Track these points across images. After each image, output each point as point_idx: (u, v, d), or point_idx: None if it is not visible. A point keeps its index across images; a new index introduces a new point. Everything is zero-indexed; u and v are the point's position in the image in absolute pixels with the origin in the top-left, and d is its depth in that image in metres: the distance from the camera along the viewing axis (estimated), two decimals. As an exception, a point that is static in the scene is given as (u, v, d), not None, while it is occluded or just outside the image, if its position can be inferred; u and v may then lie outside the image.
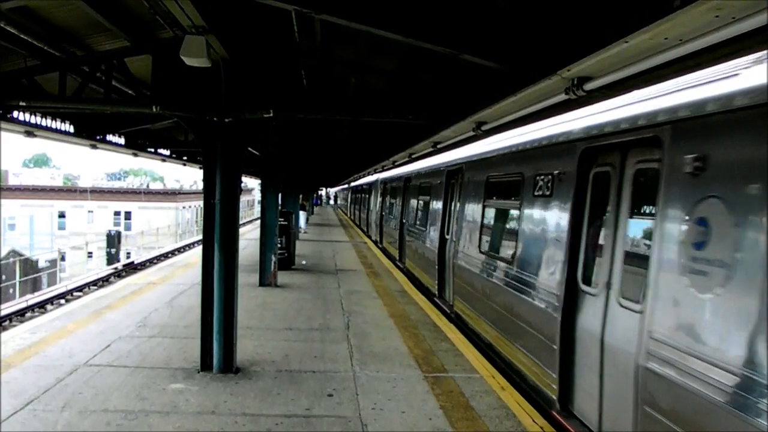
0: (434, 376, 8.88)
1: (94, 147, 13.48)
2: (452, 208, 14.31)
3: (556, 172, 8.00)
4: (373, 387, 8.29)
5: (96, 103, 9.63)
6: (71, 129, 11.85)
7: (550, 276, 7.94)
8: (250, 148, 15.08)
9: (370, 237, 34.71)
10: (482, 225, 11.52)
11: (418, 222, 18.94)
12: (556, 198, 7.98)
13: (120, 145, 14.46)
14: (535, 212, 8.78)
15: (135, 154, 16.87)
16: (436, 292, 15.12)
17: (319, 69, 9.98)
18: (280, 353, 9.82)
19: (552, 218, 8.12)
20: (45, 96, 9.12)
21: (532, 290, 8.45)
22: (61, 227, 69.68)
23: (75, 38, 8.71)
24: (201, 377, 8.54)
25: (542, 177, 8.44)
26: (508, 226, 10.42)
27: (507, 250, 10.06)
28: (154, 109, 8.58)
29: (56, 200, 71.13)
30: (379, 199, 31.81)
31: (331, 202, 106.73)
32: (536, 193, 8.63)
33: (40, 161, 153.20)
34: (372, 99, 10.46)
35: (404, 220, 22.10)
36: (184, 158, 21.15)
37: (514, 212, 9.88)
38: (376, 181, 34.09)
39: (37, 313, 21.56)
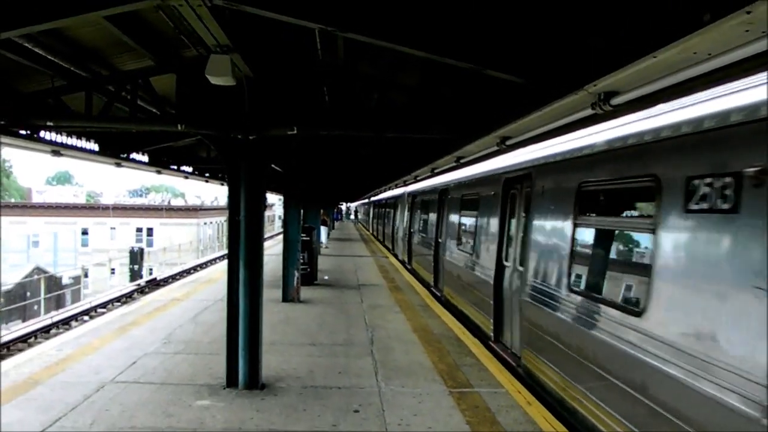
0: (459, 391, 8.86)
1: (119, 165, 13.61)
2: (513, 226, 11.41)
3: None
4: (399, 402, 8.28)
5: (122, 122, 9.74)
6: (96, 147, 11.96)
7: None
8: (272, 165, 15.16)
9: (396, 256, 31.37)
10: (575, 252, 8.16)
11: (460, 243, 15.86)
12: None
13: (144, 163, 14.58)
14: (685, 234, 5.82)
15: (159, 172, 17.01)
16: (492, 335, 11.93)
17: (341, 85, 10.03)
18: (305, 369, 9.84)
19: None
20: (71, 115, 9.24)
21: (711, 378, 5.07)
22: (84, 244, 70.17)
23: (100, 58, 8.80)
24: (227, 393, 8.57)
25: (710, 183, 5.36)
26: (633, 254, 7.31)
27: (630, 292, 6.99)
28: (180, 128, 8.67)
29: (79, 217, 71.76)
30: (407, 214, 28.62)
31: (351, 216, 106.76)
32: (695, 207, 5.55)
33: (63, 179, 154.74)
34: (394, 114, 10.48)
35: (440, 239, 18.91)
36: (206, 175, 21.27)
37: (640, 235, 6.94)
38: (403, 194, 30.87)
39: (62, 330, 21.75)
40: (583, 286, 7.96)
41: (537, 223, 9.67)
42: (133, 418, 7.56)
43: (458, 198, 16.57)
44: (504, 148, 9.29)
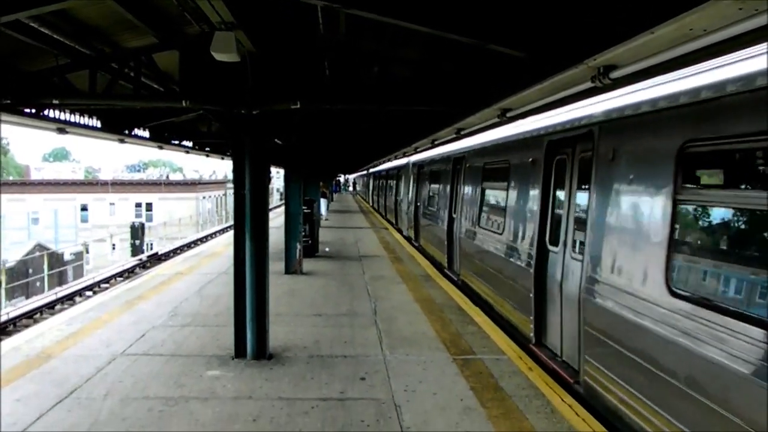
0: (463, 358, 9.07)
1: (122, 141, 13.72)
2: (562, 202, 9.23)
3: None
4: (404, 370, 8.49)
5: (127, 99, 9.84)
6: (98, 125, 12.07)
7: None
8: (275, 139, 15.28)
9: (400, 231, 29.37)
10: (677, 241, 6.10)
11: (483, 220, 13.79)
12: None
13: (146, 139, 14.69)
14: None
15: (160, 147, 17.13)
16: (532, 336, 9.76)
17: (343, 60, 10.12)
18: (311, 339, 10.04)
19: None
20: (76, 93, 9.35)
21: None
22: (84, 220, 70.44)
23: (104, 36, 8.88)
24: (236, 364, 8.77)
25: None
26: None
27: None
28: (184, 104, 8.80)
29: (78, 193, 71.89)
30: (412, 186, 26.06)
31: (350, 188, 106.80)
32: None
33: (60, 155, 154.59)
34: (396, 88, 10.58)
35: (455, 215, 16.89)
36: (207, 149, 21.38)
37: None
38: (407, 164, 28.67)
39: (66, 306, 21.98)
40: (697, 288, 5.83)
41: (606, 198, 7.43)
42: (146, 388, 7.76)
43: (479, 167, 14.24)
44: (505, 119, 9.45)
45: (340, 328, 10.78)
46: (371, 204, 56.50)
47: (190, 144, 19.31)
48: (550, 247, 9.51)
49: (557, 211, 9.48)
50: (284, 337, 10.06)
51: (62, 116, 10.65)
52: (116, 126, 12.87)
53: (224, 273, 16.14)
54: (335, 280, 15.67)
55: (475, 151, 14.88)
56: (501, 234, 11.91)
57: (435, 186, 20.79)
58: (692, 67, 5.38)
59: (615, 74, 5.36)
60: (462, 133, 13.42)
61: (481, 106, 9.07)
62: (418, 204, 24.05)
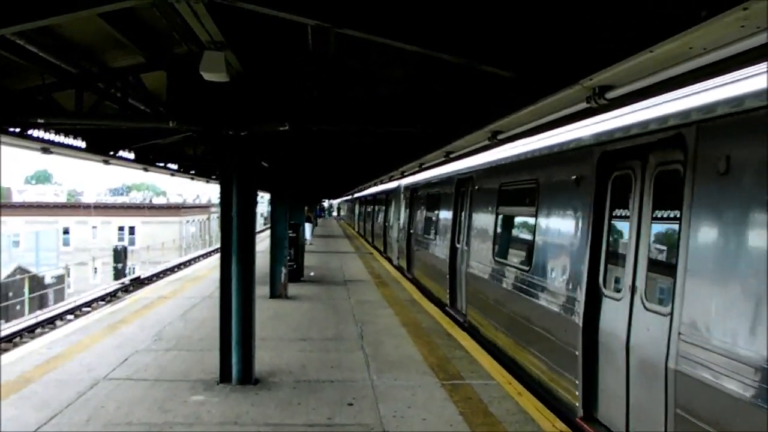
0: (451, 383, 8.95)
1: (106, 162, 13.57)
2: (628, 232, 7.04)
3: None
4: (392, 395, 8.36)
5: (112, 119, 9.72)
6: (83, 145, 11.94)
7: None
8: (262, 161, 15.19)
9: (390, 260, 27.61)
10: None
11: (500, 252, 11.53)
12: None
13: (131, 160, 14.55)
14: None
15: (146, 169, 16.98)
16: (579, 406, 7.57)
17: (331, 80, 10.06)
18: (297, 364, 9.89)
19: None
20: (62, 113, 9.23)
21: None
22: (66, 243, 69.80)
23: (91, 54, 8.77)
24: (221, 389, 8.60)
25: None
26: None
27: None
28: (171, 124, 8.70)
29: (60, 216, 71.30)
30: (404, 212, 24.09)
31: (334, 213, 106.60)
32: None
33: (42, 178, 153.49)
34: (384, 109, 10.51)
35: (458, 245, 14.77)
36: (192, 172, 21.22)
37: None
38: (398, 188, 26.48)
39: (47, 329, 21.64)
40: None
41: (717, 227, 5.40)
42: (130, 414, 7.58)
43: (493, 189, 12.00)
44: (495, 142, 9.39)
45: (326, 352, 10.64)
46: (357, 230, 55.32)
47: (175, 167, 19.15)
48: (606, 292, 7.36)
49: (616, 244, 7.44)
50: (270, 362, 9.90)
51: (47, 136, 10.50)
52: (101, 147, 12.73)
53: (208, 297, 15.98)
54: (321, 304, 15.53)
55: (487, 170, 12.60)
56: (528, 271, 9.63)
57: (433, 211, 18.42)
58: None
59: (611, 94, 5.32)
60: (451, 156, 13.22)
61: (471, 128, 9.04)
62: (412, 231, 22.06)
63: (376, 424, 7.27)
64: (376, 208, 37.08)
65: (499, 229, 11.80)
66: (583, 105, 5.80)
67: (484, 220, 12.65)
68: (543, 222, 9.38)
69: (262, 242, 24.81)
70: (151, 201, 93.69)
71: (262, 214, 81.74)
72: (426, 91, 9.86)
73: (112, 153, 13.01)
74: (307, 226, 36.63)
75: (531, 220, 9.92)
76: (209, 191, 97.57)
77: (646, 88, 4.95)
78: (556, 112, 6.77)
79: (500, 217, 11.73)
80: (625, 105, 6.09)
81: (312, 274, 21.32)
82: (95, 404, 7.91)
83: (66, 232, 70.91)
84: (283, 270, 16.31)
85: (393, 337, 11.76)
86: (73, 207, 77.35)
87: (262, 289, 16.13)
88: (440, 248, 16.54)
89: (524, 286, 9.73)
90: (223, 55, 6.71)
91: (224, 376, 8.86)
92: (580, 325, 7.49)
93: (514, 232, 11.32)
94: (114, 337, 11.67)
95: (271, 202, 17.53)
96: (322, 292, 17.47)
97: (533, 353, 9.20)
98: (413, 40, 5.85)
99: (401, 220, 24.83)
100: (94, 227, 71.75)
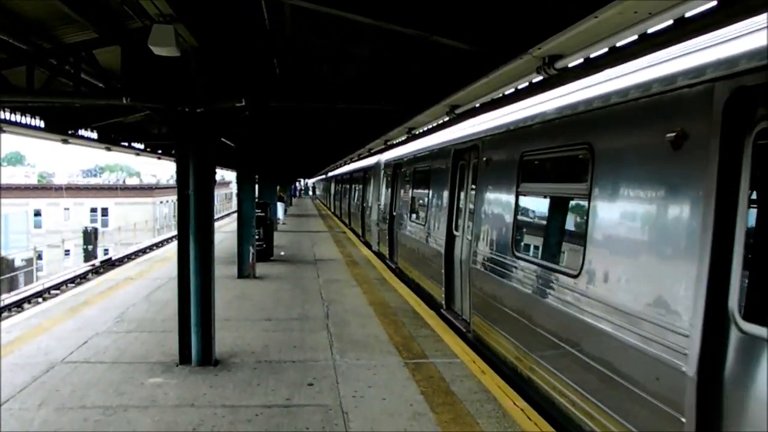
0: (414, 362, 8.86)
1: (65, 142, 13.31)
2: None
3: None
4: (354, 375, 8.25)
5: (65, 96, 9.49)
6: (41, 124, 11.68)
7: None
8: (225, 140, 14.96)
9: (368, 246, 25.00)
10: None
11: (525, 245, 8.68)
12: None
13: (92, 140, 14.29)
14: None
15: (108, 149, 16.69)
16: None
17: (292, 57, 9.90)
18: (260, 344, 9.76)
19: None
20: (12, 90, 8.99)
21: None
22: (38, 225, 68.96)
23: (43, 30, 8.55)
24: (180, 371, 8.45)
25: None
26: None
27: None
28: (125, 101, 8.47)
29: (31, 198, 70.35)
30: (385, 191, 21.28)
31: (309, 193, 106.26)
32: None
33: (14, 159, 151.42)
34: (345, 86, 10.37)
35: (456, 232, 12.08)
36: (159, 151, 20.93)
37: None
38: (377, 164, 23.74)
39: (14, 313, 21.34)
40: None
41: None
42: (84, 397, 7.42)
43: (511, 161, 8.78)
44: (454, 117, 9.23)
45: (290, 332, 10.51)
46: (332, 211, 52.64)
47: (141, 146, 18.89)
48: (747, 324, 4.31)
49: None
50: (232, 343, 9.77)
51: (1, 114, 10.24)
52: (60, 126, 12.46)
53: (175, 278, 15.70)
54: (288, 283, 15.38)
55: (501, 135, 9.45)
56: (575, 276, 6.55)
57: (421, 191, 15.34)
58: None
59: (560, 64, 5.21)
60: (414, 133, 12.96)
61: (429, 103, 8.89)
62: (395, 213, 19.10)
63: (335, 405, 7.16)
64: (353, 186, 33.66)
65: (520, 216, 8.68)
66: (535, 76, 5.69)
67: (497, 203, 9.53)
68: (605, 207, 6.21)
69: (233, 223, 24.57)
70: (124, 182, 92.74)
71: (236, 194, 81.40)
72: (389, 69, 9.73)
73: (71, 132, 12.73)
74: (280, 206, 36.52)
75: (579, 204, 7.03)
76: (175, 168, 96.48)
77: (596, 58, 4.85)
78: (511, 83, 6.65)
79: (523, 198, 8.63)
80: (579, 78, 5.99)
81: (282, 253, 21.15)
82: (49, 388, 7.73)
83: (38, 214, 69.98)
84: (251, 249, 16.14)
85: (359, 317, 11.65)
86: (44, 189, 76.40)
87: (230, 269, 16.08)
88: (432, 236, 13.72)
89: (570, 301, 6.66)
90: (172, 29, 6.53)
91: (184, 358, 8.71)
92: (694, 378, 4.61)
93: (549, 220, 8.21)
94: (75, 319, 11.45)
95: (238, 181, 17.25)
96: (291, 272, 17.31)
97: (603, 393, 6.00)
98: (365, 12, 5.72)
99: (382, 201, 22.08)
100: (66, 209, 70.95)
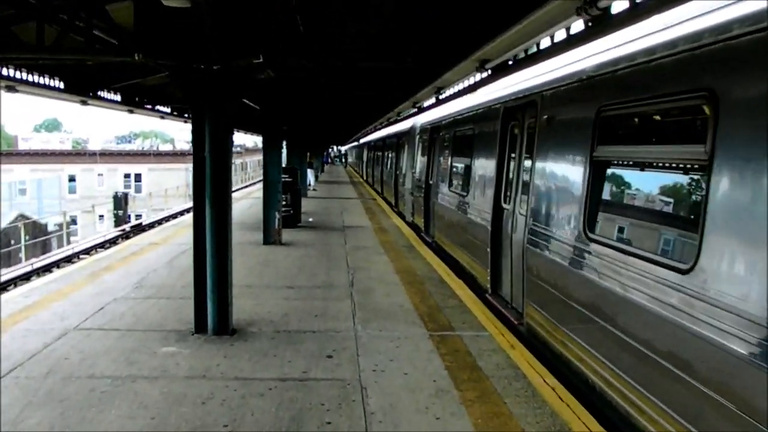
0: (440, 334, 8.44)
1: (84, 103, 12.98)
2: None
3: None
4: (375, 347, 7.85)
5: (75, 53, 9.09)
6: (61, 85, 11.36)
7: None
8: (249, 102, 14.54)
9: (402, 216, 23.26)
10: None
11: (614, 228, 6.79)
12: None
13: (114, 102, 13.96)
14: None
15: (131, 111, 16.35)
16: None
17: (314, 14, 9.38)
18: (280, 312, 9.41)
19: None
20: (21, 47, 8.63)
21: None
22: (72, 191, 69.52)
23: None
24: (194, 339, 8.13)
25: None
26: None
27: None
28: (136, 57, 8.03)
29: (66, 164, 70.87)
30: (421, 158, 19.45)
31: (342, 160, 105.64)
32: None
33: (51, 126, 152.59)
34: (369, 45, 9.80)
35: (506, 205, 10.30)
36: (186, 115, 20.59)
37: None
38: (412, 128, 21.77)
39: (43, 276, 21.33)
40: None
41: None
42: (93, 366, 7.12)
43: (584, 119, 7.05)
44: (485, 72, 8.63)
45: (312, 300, 10.15)
46: (365, 178, 51.07)
47: (167, 110, 18.55)
48: None
49: None
50: (251, 310, 9.44)
51: (16, 74, 9.91)
52: (80, 87, 12.13)
53: (199, 243, 15.46)
54: (315, 250, 15.03)
55: (570, 88, 7.68)
56: (687, 272, 4.89)
57: (463, 157, 13.64)
58: None
59: (603, 3, 4.61)
60: (441, 94, 12.29)
61: (458, 59, 8.34)
62: (431, 182, 17.45)
63: (353, 379, 6.77)
64: (386, 154, 31.39)
65: (598, 188, 6.84)
66: (575, 19, 5.12)
67: (563, 171, 7.83)
68: (736, 178, 4.56)
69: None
70: (158, 148, 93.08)
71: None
72: (413, 23, 9.15)
73: (91, 93, 12.39)
74: (309, 172, 36.28)
75: (691, 174, 5.38)
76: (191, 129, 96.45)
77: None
78: (547, 30, 6.04)
79: (600, 166, 6.80)
80: (626, 25, 5.40)
81: (311, 219, 20.83)
82: (59, 355, 7.45)
83: (72, 179, 70.52)
84: (277, 215, 15.78)
85: (385, 285, 11.26)
86: (78, 154, 76.80)
87: (256, 235, 15.78)
88: (475, 208, 12.02)
89: (675, 304, 4.99)
90: (181, -23, 6.08)
91: (199, 327, 8.38)
92: None
93: (640, 194, 6.44)
94: (95, 284, 11.21)
95: (264, 146, 16.84)
96: (318, 238, 16.96)
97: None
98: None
99: (417, 169, 20.23)
100: (100, 175, 71.36)
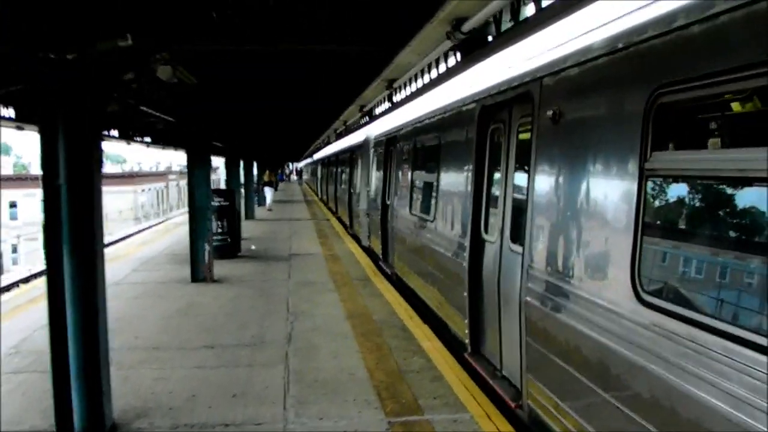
0: (403, 420, 6.06)
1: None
2: None
3: None
4: (312, 453, 5.45)
5: None
6: None
7: None
8: (147, 109, 11.94)
9: (356, 239, 20.60)
10: None
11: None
12: None
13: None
14: None
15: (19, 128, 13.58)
16: None
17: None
18: (187, 392, 6.93)
19: None
20: None
21: None
22: (13, 217, 66.35)
23: None
24: (51, 447, 5.64)
25: None
26: None
27: None
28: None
29: (6, 189, 67.53)
30: (376, 174, 16.63)
31: (296, 176, 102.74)
32: None
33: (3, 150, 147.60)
34: (295, 19, 7.34)
35: (487, 236, 7.50)
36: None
37: None
38: (366, 141, 18.83)
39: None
40: None
41: None
42: None
43: (628, 113, 4.20)
44: (458, 43, 6.21)
45: (234, 368, 7.72)
46: (319, 196, 47.29)
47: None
48: None
49: None
50: (148, 390, 6.98)
51: None
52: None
53: (114, 284, 12.78)
54: (251, 288, 12.52)
55: (599, 64, 4.65)
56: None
57: (426, 172, 10.84)
58: None
59: None
60: (395, 87, 9.84)
61: (421, 19, 5.93)
62: (388, 202, 14.64)
63: None
64: (339, 169, 28.47)
65: (653, 217, 4.10)
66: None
67: (587, 191, 4.81)
68: None
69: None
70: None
71: (224, 180, 78.90)
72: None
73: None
74: (268, 191, 34.05)
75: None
76: (171, 158, 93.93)
77: None
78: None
79: (657, 182, 4.07)
80: None
81: (253, 247, 18.30)
82: None
83: (13, 205, 67.26)
84: (207, 247, 13.25)
85: (332, 339, 8.85)
86: (19, 179, 73.36)
87: (182, 271, 13.31)
88: (445, 237, 9.06)
89: None
90: None
91: (62, 425, 5.85)
92: None
93: (746, 227, 3.51)
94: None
95: (188, 165, 14.20)
96: (259, 272, 14.45)
97: None
98: None
99: (372, 187, 17.34)
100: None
